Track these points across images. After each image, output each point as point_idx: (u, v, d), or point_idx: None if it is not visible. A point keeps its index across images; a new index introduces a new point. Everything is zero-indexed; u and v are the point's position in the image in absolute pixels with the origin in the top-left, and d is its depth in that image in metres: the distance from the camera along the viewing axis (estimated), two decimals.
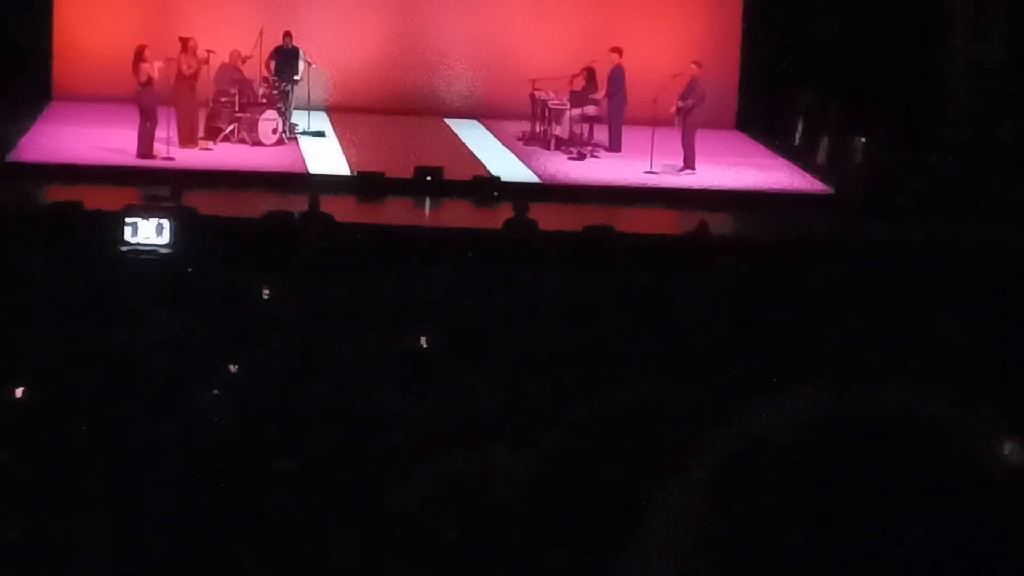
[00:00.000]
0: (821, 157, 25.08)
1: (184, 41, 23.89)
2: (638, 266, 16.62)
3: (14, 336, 11.25)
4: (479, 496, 2.68)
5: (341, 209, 20.45)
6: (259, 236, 18.16)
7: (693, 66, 24.42)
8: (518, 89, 26.47)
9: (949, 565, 1.37)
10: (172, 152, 23.33)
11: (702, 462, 1.46)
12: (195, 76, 23.83)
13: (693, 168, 23.96)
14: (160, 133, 23.23)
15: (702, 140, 24.20)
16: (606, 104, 25.11)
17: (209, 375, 10.05)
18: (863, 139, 24.62)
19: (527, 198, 20.49)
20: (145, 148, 23.10)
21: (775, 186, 23.85)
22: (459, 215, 21.68)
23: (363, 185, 22.50)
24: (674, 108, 23.97)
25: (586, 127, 25.28)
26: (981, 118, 25.13)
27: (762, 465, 1.42)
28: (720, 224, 20.95)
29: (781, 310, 14.25)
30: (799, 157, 25.38)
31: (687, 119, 24.03)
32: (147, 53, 23.28)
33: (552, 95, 25.56)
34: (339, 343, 11.07)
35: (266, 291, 14.06)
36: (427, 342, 11.91)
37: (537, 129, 25.91)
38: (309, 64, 25.56)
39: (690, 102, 24.02)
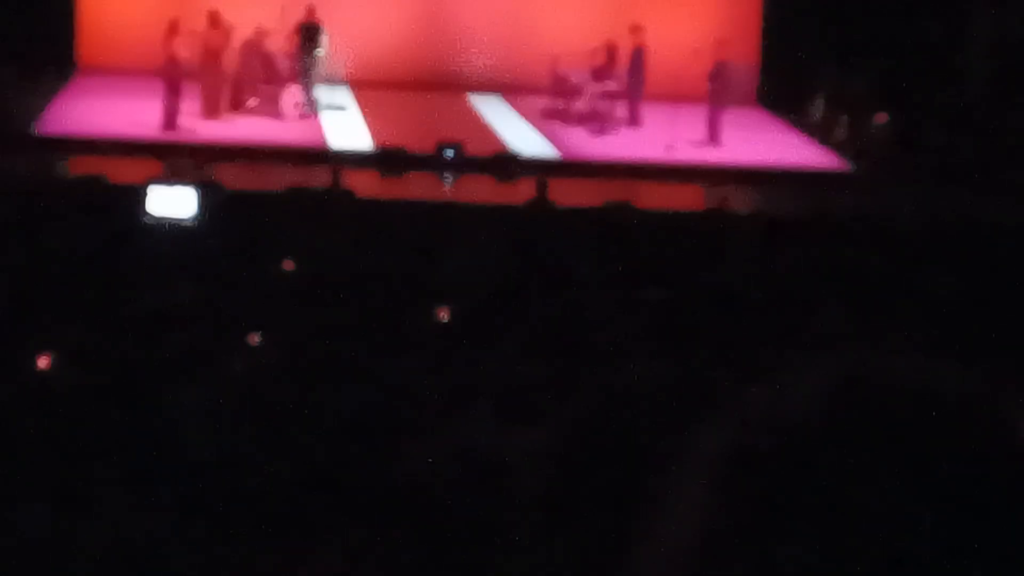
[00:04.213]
0: (841, 133, 25.05)
1: (212, 15, 23.98)
2: (658, 241, 16.65)
3: (37, 308, 11.34)
4: (493, 471, 2.76)
5: (362, 184, 20.51)
6: (282, 209, 18.23)
7: (717, 44, 24.39)
8: (539, 64, 26.47)
9: (971, 545, 1.38)
10: (195, 125, 23.42)
11: (718, 440, 1.47)
12: (221, 50, 23.93)
13: (719, 143, 23.99)
14: (184, 106, 23.32)
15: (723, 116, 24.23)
16: (627, 80, 25.11)
17: (231, 347, 10.13)
18: (884, 115, 24.56)
19: (548, 173, 20.51)
20: (169, 121, 23.19)
21: (795, 162, 23.85)
22: (480, 190, 21.73)
23: (385, 160, 22.56)
24: (706, 90, 24.02)
25: (607, 103, 25.28)
26: (1003, 94, 25.05)
27: (779, 441, 1.42)
28: (740, 200, 20.96)
29: (800, 286, 14.26)
30: (819, 133, 25.36)
31: (716, 98, 24.04)
32: (181, 27, 23.38)
33: (573, 70, 25.56)
34: (359, 316, 11.13)
35: (288, 264, 14.13)
36: (447, 316, 11.97)
37: (558, 105, 25.93)
38: (332, 39, 25.58)
39: (719, 84, 24.01)
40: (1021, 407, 1.45)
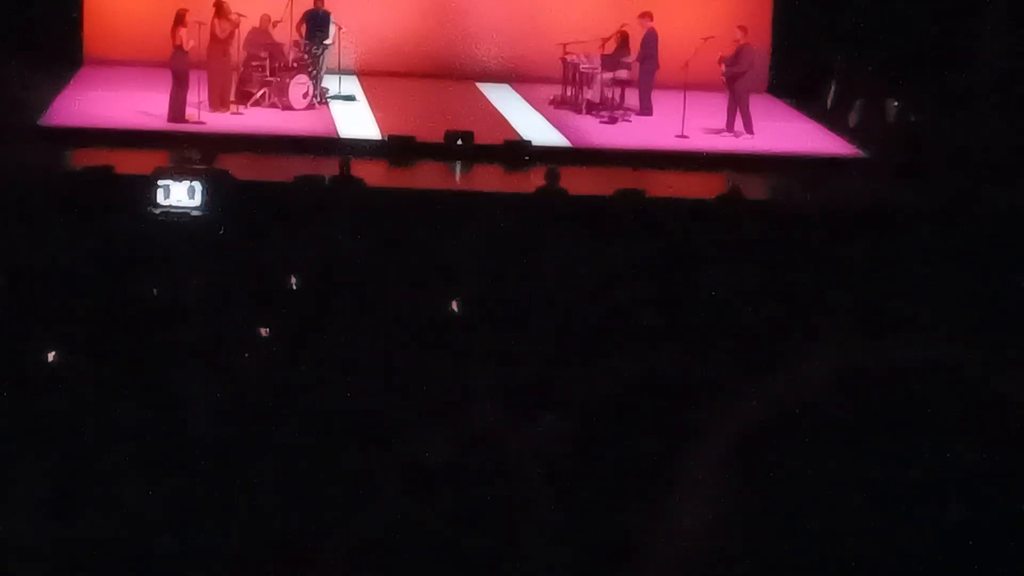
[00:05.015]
0: (854, 121, 24.96)
1: (219, 5, 23.95)
2: (670, 230, 16.59)
3: (46, 301, 11.29)
4: (503, 460, 2.67)
5: (372, 173, 20.47)
6: (290, 199, 18.20)
7: (738, 31, 24.30)
8: (549, 53, 26.40)
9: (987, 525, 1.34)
10: (203, 116, 23.38)
11: (733, 430, 1.44)
12: (228, 40, 23.90)
13: (751, 132, 23.92)
14: (191, 97, 23.29)
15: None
16: (638, 68, 25.04)
17: (240, 338, 10.08)
18: (896, 102, 24.48)
19: (558, 162, 20.47)
20: (177, 112, 23.16)
21: (808, 150, 23.78)
22: (490, 179, 21.68)
23: (394, 149, 22.52)
24: (721, 74, 23.92)
25: (617, 91, 25.22)
26: (1017, 80, 24.94)
27: (786, 434, 1.40)
28: (752, 188, 20.89)
29: (813, 274, 14.21)
30: (832, 121, 25.28)
31: (736, 86, 23.96)
32: (187, 18, 23.37)
33: (583, 59, 25.50)
34: (370, 307, 11.08)
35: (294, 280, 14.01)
36: (458, 307, 11.92)
37: (568, 93, 25.87)
38: (340, 28, 25.54)
39: (736, 69, 23.92)
40: None
